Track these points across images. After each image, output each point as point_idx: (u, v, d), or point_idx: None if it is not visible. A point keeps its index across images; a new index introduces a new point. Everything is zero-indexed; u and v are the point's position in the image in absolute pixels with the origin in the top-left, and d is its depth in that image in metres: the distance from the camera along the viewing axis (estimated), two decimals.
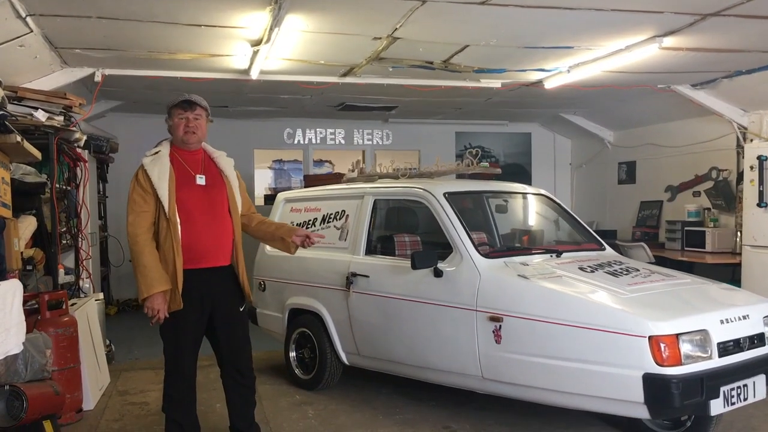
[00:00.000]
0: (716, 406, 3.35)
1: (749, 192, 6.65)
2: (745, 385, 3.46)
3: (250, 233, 3.86)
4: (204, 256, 3.48)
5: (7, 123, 3.83)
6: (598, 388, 3.47)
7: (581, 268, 4.10)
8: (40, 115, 4.84)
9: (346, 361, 4.95)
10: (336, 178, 6.13)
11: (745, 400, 3.47)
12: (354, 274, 4.72)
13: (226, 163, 3.69)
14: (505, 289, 3.92)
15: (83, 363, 4.63)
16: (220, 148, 3.77)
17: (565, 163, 11.13)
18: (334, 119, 10.07)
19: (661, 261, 6.80)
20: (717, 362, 3.38)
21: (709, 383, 3.30)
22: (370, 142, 10.52)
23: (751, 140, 7.03)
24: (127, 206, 3.46)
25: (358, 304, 4.70)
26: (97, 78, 5.99)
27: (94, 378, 4.97)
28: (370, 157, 10.46)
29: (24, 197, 4.52)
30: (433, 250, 4.34)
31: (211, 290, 3.51)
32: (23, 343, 3.38)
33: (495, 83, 6.94)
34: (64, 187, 5.52)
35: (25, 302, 3.65)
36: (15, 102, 4.86)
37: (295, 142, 10.25)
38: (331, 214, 5.23)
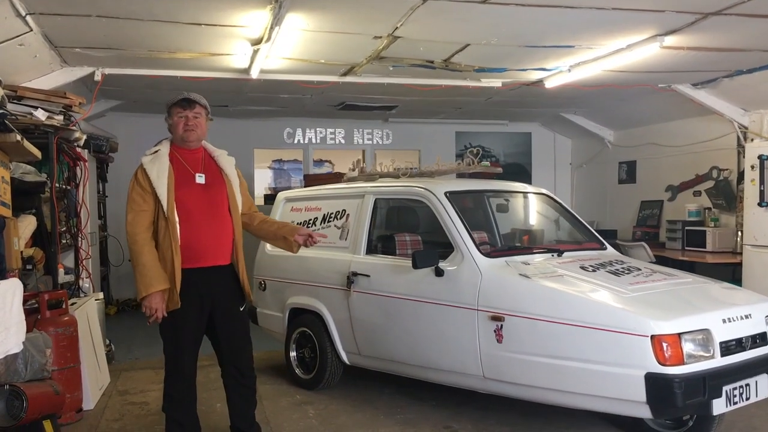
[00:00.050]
0: (719, 406, 3.34)
1: (750, 191, 6.65)
2: (747, 385, 3.45)
3: (252, 232, 3.85)
4: (203, 255, 3.47)
5: (6, 122, 3.81)
6: (600, 387, 3.46)
7: (583, 268, 4.09)
8: (40, 114, 4.83)
9: (346, 361, 4.94)
10: (336, 177, 6.12)
11: (747, 399, 3.46)
12: (355, 274, 4.71)
13: (227, 162, 3.68)
14: (506, 289, 3.91)
15: (83, 363, 4.62)
16: (220, 147, 3.75)
17: (565, 163, 11.12)
18: (334, 119, 10.06)
19: (661, 261, 6.79)
20: (719, 362, 3.37)
21: (711, 383, 3.29)
22: (370, 142, 10.50)
23: (752, 140, 7.03)
24: (127, 205, 3.46)
25: (358, 304, 4.69)
26: (97, 77, 5.98)
27: (94, 378, 4.96)
28: (370, 156, 10.44)
29: (24, 196, 4.51)
30: (434, 249, 4.32)
31: (211, 289, 3.50)
32: (23, 343, 3.37)
33: (495, 82, 6.94)
34: (63, 186, 5.51)
35: (25, 301, 3.63)
36: (15, 101, 4.84)
37: (295, 141, 10.23)
38: (332, 213, 5.21)
